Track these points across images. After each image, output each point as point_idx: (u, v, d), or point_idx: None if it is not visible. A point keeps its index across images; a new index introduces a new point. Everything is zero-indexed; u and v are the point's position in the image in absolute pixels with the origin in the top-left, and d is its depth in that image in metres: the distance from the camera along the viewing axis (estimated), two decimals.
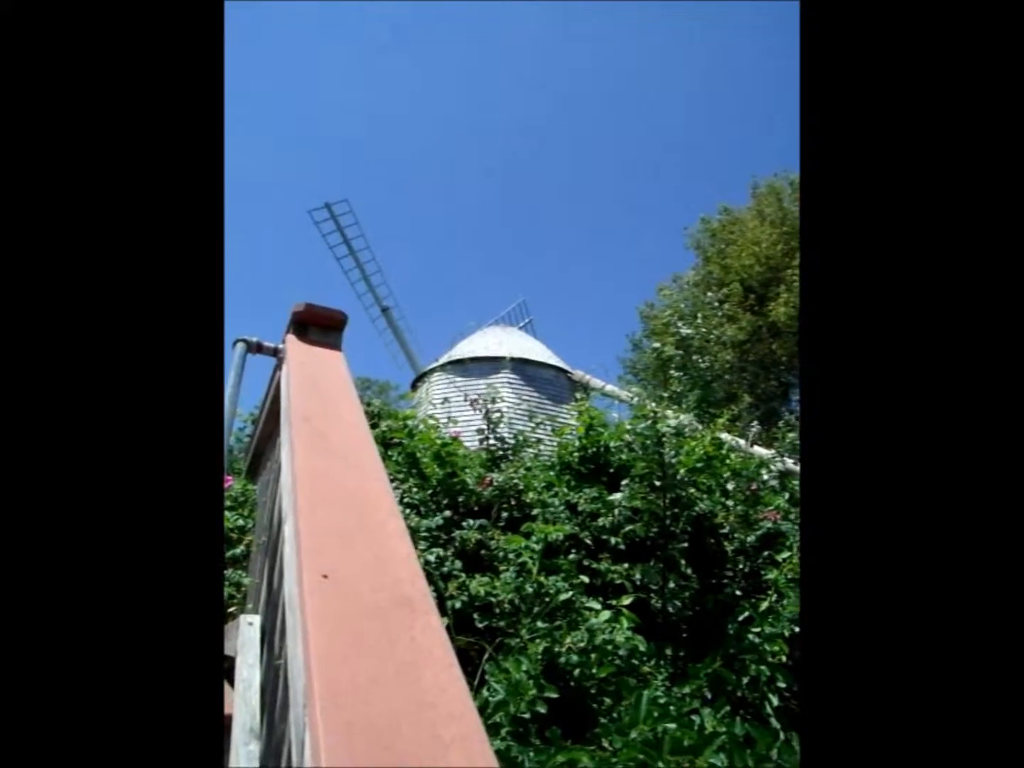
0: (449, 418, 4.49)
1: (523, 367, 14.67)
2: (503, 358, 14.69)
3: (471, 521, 3.09)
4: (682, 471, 3.09)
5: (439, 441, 3.68)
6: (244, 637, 1.76)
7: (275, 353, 2.23)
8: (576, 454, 3.75)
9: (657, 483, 3.09)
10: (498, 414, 4.07)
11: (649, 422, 3.15)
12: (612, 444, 3.68)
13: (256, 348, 2.21)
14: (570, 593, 2.62)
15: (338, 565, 0.91)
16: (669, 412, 3.40)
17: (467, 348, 15.39)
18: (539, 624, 2.38)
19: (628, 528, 3.06)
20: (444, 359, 15.22)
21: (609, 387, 16.13)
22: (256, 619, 1.82)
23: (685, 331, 4.14)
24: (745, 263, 16.62)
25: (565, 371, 15.21)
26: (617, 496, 3.12)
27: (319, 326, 2.13)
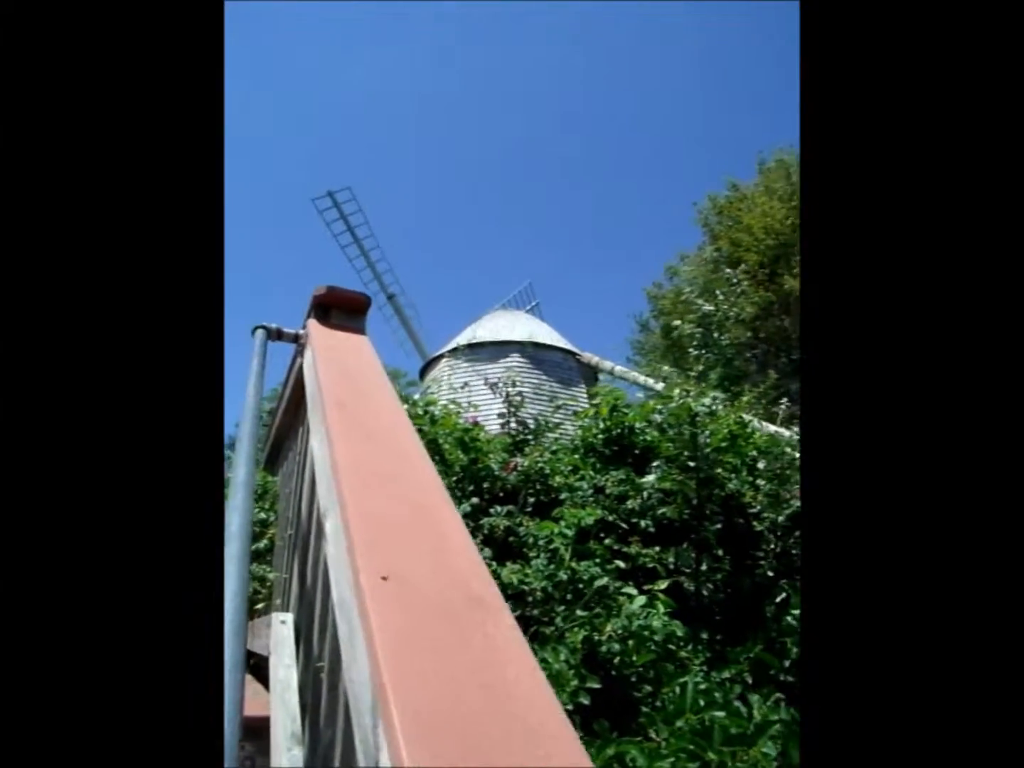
0: (470, 403, 4.40)
1: (532, 350, 14.59)
2: (512, 342, 14.62)
3: (498, 508, 3.01)
4: (708, 451, 3.00)
5: (460, 427, 3.60)
6: (277, 636, 1.69)
7: (296, 339, 2.14)
8: (600, 436, 3.67)
9: (691, 464, 3.00)
10: (519, 397, 3.98)
11: (681, 401, 3.05)
12: (637, 425, 3.59)
13: (276, 335, 2.12)
14: (605, 579, 2.54)
15: (396, 564, 0.83)
16: (700, 391, 3.30)
17: (474, 333, 15.30)
18: (579, 612, 2.30)
19: (662, 511, 2.97)
20: (452, 345, 15.15)
21: (619, 368, 16.05)
22: (288, 617, 1.75)
23: (707, 308, 4.02)
24: (759, 236, 16.43)
25: (574, 353, 15.11)
26: (650, 479, 3.03)
27: (342, 309, 2.04)
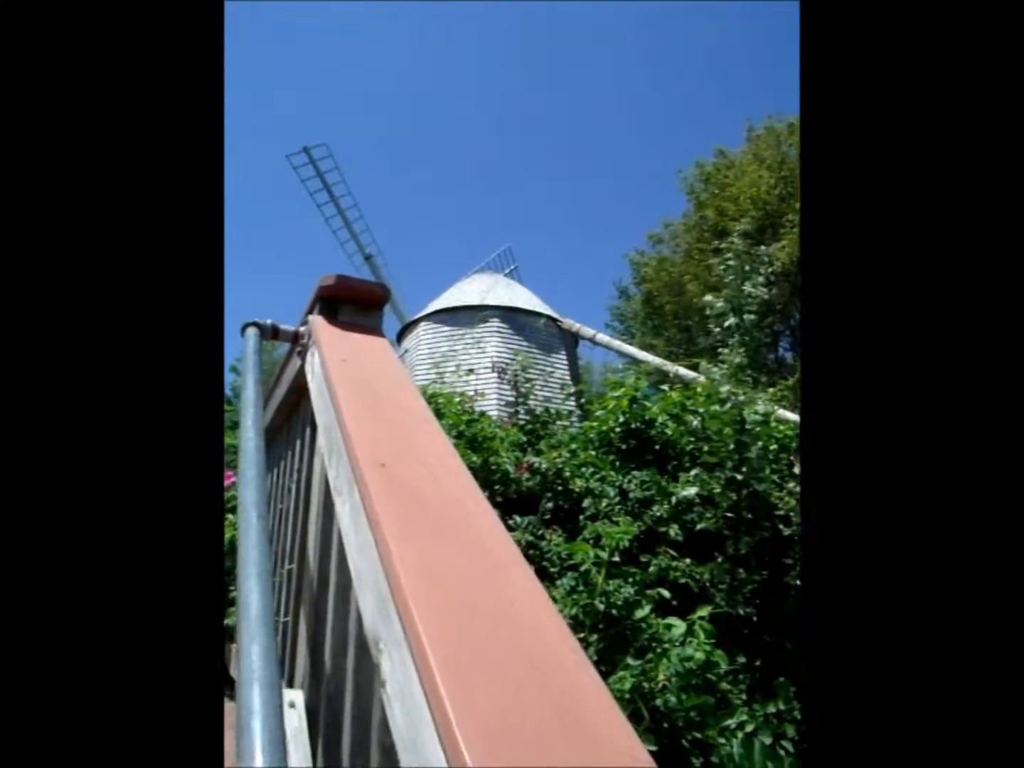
0: (477, 391, 4.02)
1: (512, 316, 14.28)
2: (492, 307, 14.24)
3: (518, 519, 2.68)
4: (757, 462, 2.69)
5: (464, 417, 3.24)
6: (286, 724, 1.34)
7: (295, 339, 1.76)
8: (618, 430, 3.34)
9: (739, 476, 2.68)
10: (528, 384, 3.61)
11: (728, 407, 2.73)
12: (659, 419, 3.27)
13: (272, 334, 1.73)
14: (647, 609, 2.24)
15: None
16: (754, 396, 2.96)
17: (453, 297, 14.92)
18: (631, 662, 1.99)
19: (701, 526, 2.67)
20: (430, 308, 14.75)
21: (600, 336, 15.78)
22: (298, 698, 1.40)
23: (753, 290, 3.63)
24: (744, 206, 16.09)
25: (555, 319, 14.80)
26: (691, 492, 2.72)
27: (354, 304, 1.66)
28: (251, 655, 0.72)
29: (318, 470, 1.61)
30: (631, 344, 17.52)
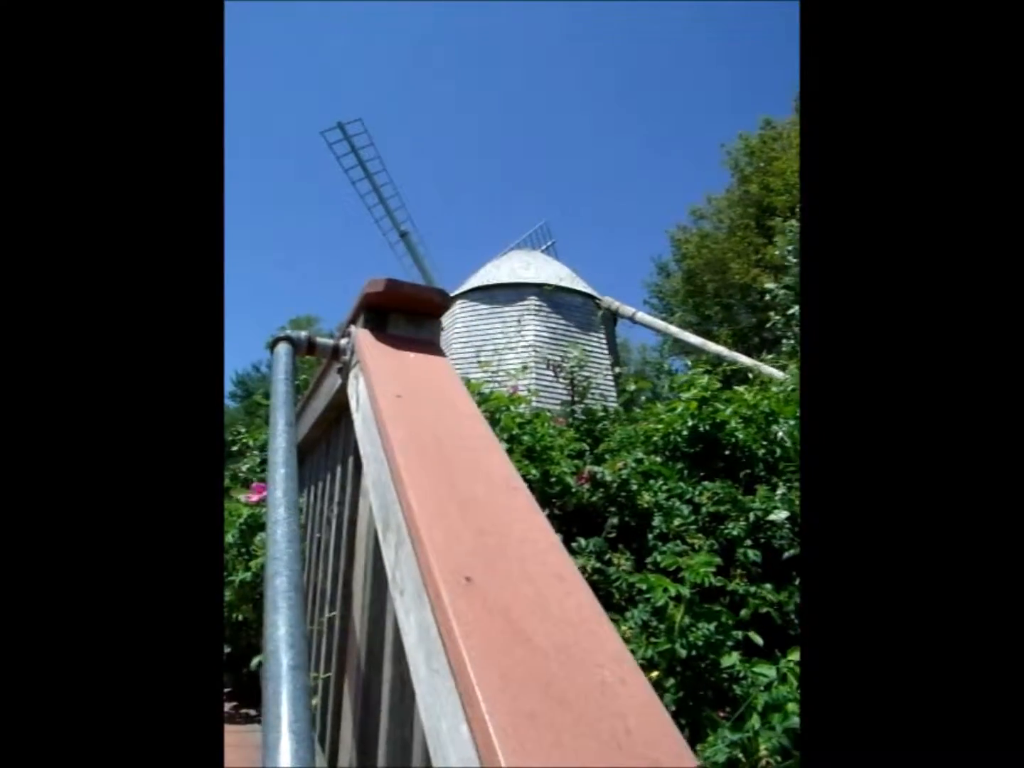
0: (529, 390, 3.72)
1: (550, 293, 13.93)
2: (529, 284, 13.92)
3: (583, 541, 2.40)
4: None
5: (517, 419, 2.96)
6: None
7: (335, 353, 1.48)
8: (684, 433, 3.03)
9: None
10: (585, 383, 3.30)
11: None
12: (732, 423, 2.94)
13: (307, 349, 1.46)
14: (734, 658, 1.95)
15: None
16: None
17: (490, 274, 14.63)
18: (728, 734, 1.72)
19: (791, 552, 2.36)
20: (467, 286, 14.49)
21: (640, 314, 15.35)
22: None
23: None
24: (791, 181, 15.41)
25: (594, 297, 14.44)
26: (781, 515, 2.40)
27: (406, 313, 1.37)
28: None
29: (364, 517, 1.34)
30: (671, 323, 17.05)
